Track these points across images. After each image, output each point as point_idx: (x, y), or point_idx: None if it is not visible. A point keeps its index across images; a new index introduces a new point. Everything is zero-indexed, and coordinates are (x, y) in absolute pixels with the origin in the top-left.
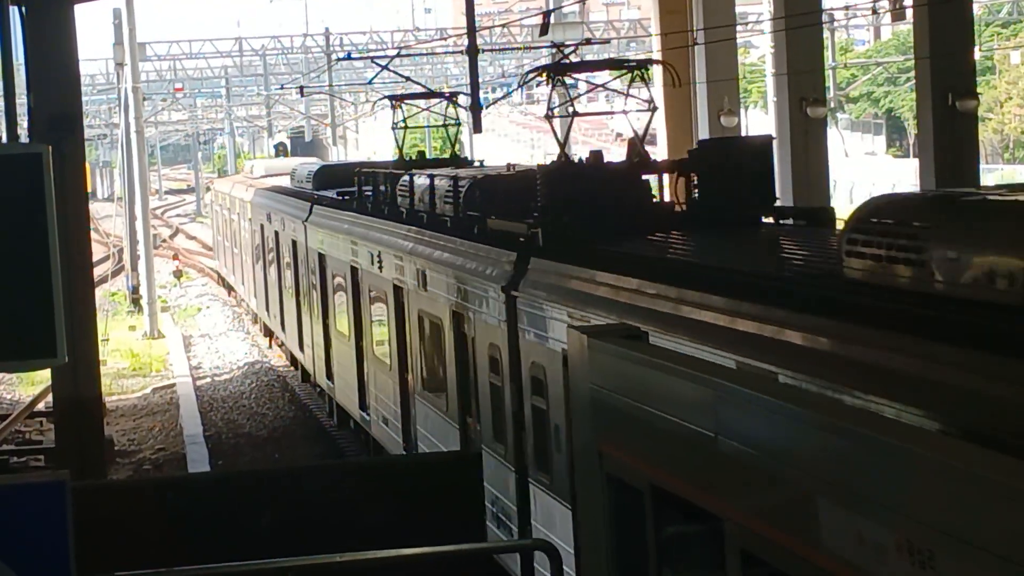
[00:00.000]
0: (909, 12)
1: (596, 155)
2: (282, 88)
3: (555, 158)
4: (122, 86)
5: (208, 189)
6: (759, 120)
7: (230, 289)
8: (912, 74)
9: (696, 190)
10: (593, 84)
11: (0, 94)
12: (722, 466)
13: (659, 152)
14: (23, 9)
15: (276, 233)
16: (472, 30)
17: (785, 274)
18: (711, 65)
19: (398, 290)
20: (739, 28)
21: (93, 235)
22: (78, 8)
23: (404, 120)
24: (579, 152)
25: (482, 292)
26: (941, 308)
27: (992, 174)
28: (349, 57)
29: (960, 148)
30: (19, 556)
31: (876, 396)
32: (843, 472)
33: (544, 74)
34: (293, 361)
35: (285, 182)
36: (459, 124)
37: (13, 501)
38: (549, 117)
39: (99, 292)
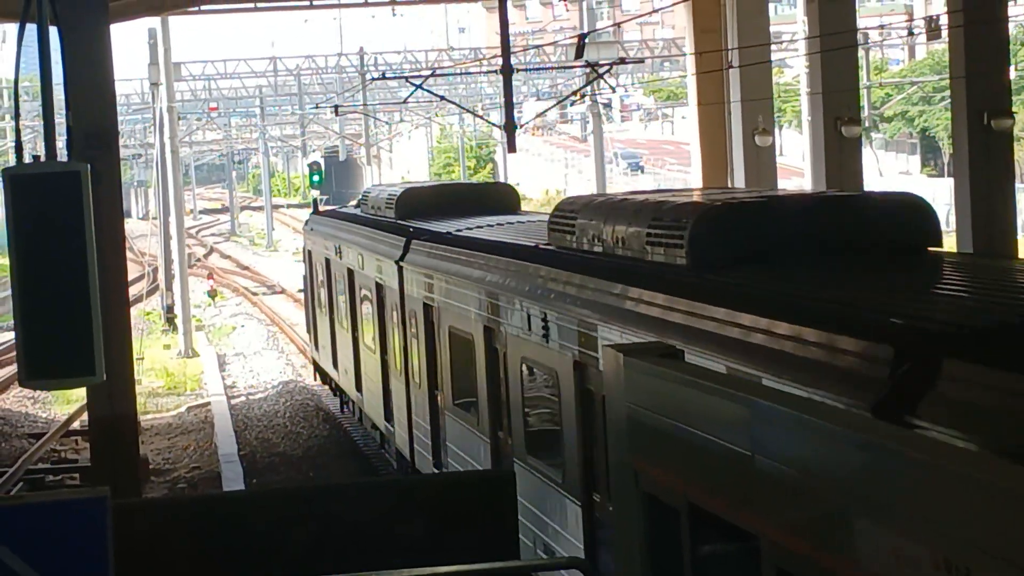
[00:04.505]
0: (944, 31)
1: None
2: (316, 107)
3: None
4: (157, 106)
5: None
6: (794, 140)
7: (343, 397)
8: (947, 93)
9: None
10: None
11: (37, 113)
12: (758, 484)
13: (693, 170)
14: (60, 28)
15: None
16: (506, 49)
17: None
18: (745, 84)
19: None
20: (773, 47)
21: (128, 254)
22: (114, 28)
23: None
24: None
25: None
26: None
27: None
28: (384, 76)
29: (995, 167)
30: (60, 572)
31: None
32: (879, 490)
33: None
34: None
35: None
36: None
37: (55, 517)
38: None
39: (134, 311)
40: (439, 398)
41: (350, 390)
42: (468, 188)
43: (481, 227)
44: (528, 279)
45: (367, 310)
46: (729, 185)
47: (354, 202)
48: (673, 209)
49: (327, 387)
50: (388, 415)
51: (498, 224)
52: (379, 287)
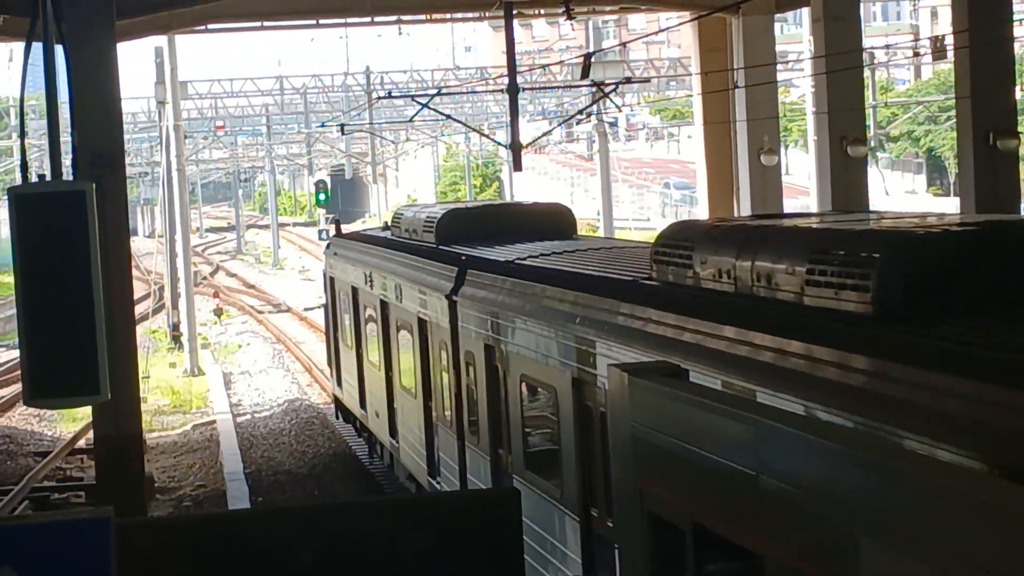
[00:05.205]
0: (950, 51)
1: None
2: (323, 126)
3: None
4: (164, 124)
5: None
6: (799, 159)
7: (371, 440)
8: (953, 113)
9: None
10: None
11: (43, 131)
12: (764, 504)
13: (698, 191)
14: (66, 47)
15: None
16: (512, 69)
17: None
18: (751, 103)
19: None
20: (779, 67)
21: (134, 272)
22: (120, 46)
23: None
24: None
25: None
26: None
27: None
28: (390, 95)
29: (1001, 187)
30: None
31: None
32: (885, 510)
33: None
34: None
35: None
36: None
37: (57, 537)
38: None
39: (140, 329)
40: (505, 459)
41: (382, 435)
42: (518, 209)
43: (547, 255)
44: (639, 323)
45: (405, 348)
46: (735, 204)
47: (362, 221)
48: (847, 238)
49: (350, 426)
50: (433, 470)
51: (566, 251)
52: (422, 323)
